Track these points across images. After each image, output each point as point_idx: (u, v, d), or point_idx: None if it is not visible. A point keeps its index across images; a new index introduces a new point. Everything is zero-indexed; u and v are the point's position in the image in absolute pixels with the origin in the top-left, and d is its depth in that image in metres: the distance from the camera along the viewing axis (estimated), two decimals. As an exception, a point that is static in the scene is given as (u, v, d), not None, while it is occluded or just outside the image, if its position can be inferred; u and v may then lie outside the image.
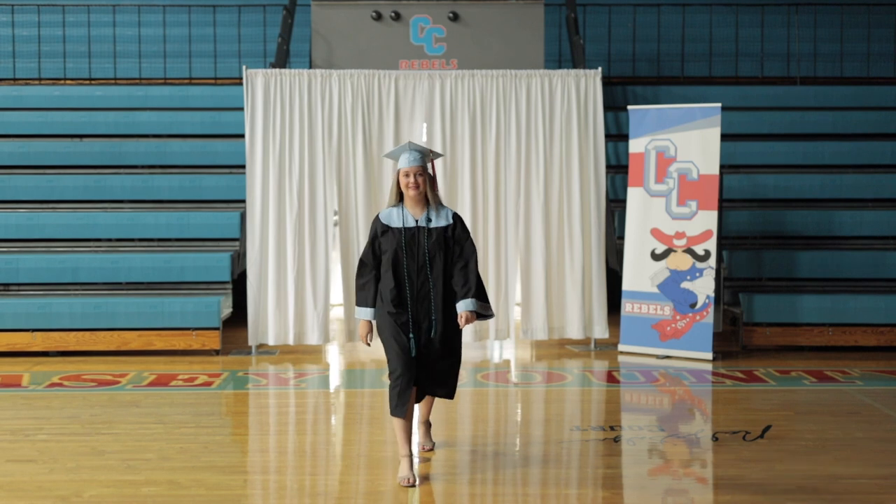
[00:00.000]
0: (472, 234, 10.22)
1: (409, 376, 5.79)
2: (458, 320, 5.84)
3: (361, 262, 5.96)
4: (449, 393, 6.04)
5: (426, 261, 5.82)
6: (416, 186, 5.82)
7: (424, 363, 5.88)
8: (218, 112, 11.83)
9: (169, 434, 6.79)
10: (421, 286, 5.84)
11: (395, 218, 5.87)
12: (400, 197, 5.92)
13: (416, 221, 5.85)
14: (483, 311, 5.98)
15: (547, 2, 11.46)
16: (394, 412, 5.80)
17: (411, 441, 5.93)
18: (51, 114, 11.91)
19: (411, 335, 5.82)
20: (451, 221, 5.89)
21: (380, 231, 5.87)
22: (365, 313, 5.94)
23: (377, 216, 5.93)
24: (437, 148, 9.85)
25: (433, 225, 5.85)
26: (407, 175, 5.83)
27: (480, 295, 5.96)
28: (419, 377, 5.91)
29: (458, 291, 5.85)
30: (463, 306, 5.84)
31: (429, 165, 5.91)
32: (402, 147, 5.90)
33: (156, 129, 11.74)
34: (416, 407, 6.32)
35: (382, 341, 5.92)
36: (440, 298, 5.83)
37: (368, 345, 6.01)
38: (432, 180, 5.91)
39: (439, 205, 5.91)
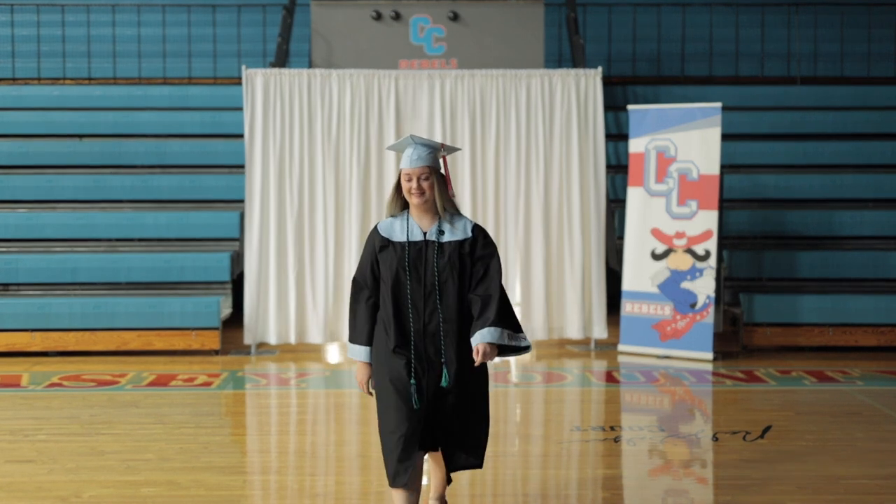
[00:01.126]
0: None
1: (413, 437, 4.58)
2: (474, 355, 4.54)
3: (355, 283, 4.69)
4: (474, 460, 4.72)
5: (435, 285, 4.55)
6: (421, 193, 4.56)
7: (435, 421, 4.66)
8: (217, 112, 11.82)
9: (168, 434, 6.79)
10: (429, 318, 4.57)
11: (398, 230, 4.61)
12: (405, 204, 4.66)
13: (425, 234, 4.60)
14: (508, 342, 4.59)
15: (547, 1, 11.45)
16: (393, 482, 4.62)
17: None
18: (50, 113, 11.89)
19: (412, 381, 4.56)
20: (469, 235, 4.60)
21: (378, 246, 4.62)
22: (360, 353, 4.67)
23: (375, 227, 4.68)
24: (437, 148, 9.79)
25: (446, 239, 4.58)
26: (409, 179, 4.57)
27: (505, 321, 4.60)
28: (426, 439, 4.68)
29: (474, 320, 4.58)
30: (479, 337, 4.52)
31: (441, 162, 4.68)
32: (405, 140, 4.66)
33: (155, 128, 11.73)
34: (424, 477, 5.22)
35: (376, 389, 4.68)
36: (454, 336, 4.57)
37: (370, 394, 4.73)
38: (444, 183, 4.63)
39: (455, 214, 4.65)
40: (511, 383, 8.63)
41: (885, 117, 11.98)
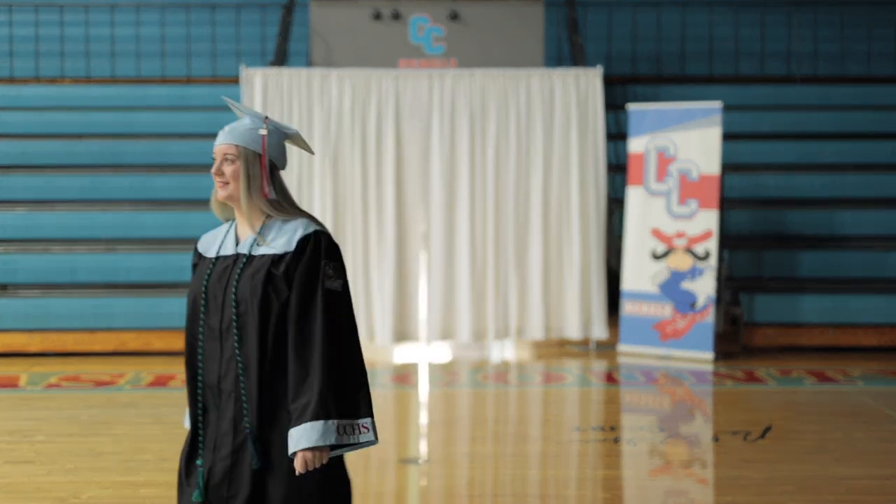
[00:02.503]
0: (466, 237, 10.35)
1: None
2: (295, 463, 3.04)
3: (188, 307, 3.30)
4: None
5: (233, 320, 3.12)
6: (224, 183, 3.19)
7: None
8: (217, 111, 11.79)
9: (167, 435, 6.76)
10: (226, 369, 3.14)
11: (218, 241, 3.29)
12: None
13: (237, 246, 3.22)
14: (340, 440, 3.04)
15: (547, 1, 11.43)
16: None
17: None
18: (49, 113, 11.87)
19: (199, 463, 3.16)
20: (291, 248, 3.12)
21: (192, 264, 3.34)
22: (186, 415, 3.31)
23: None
24: (436, 148, 9.76)
25: (259, 251, 3.16)
26: (216, 161, 3.23)
27: (338, 402, 3.05)
28: None
29: (291, 406, 3.06)
30: (295, 440, 3.02)
31: (262, 144, 3.21)
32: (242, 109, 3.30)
33: (154, 128, 11.70)
34: None
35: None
36: (254, 396, 3.09)
37: None
38: (263, 171, 3.18)
39: (291, 216, 3.20)
40: (510, 384, 8.61)
41: (885, 117, 11.96)
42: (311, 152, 3.42)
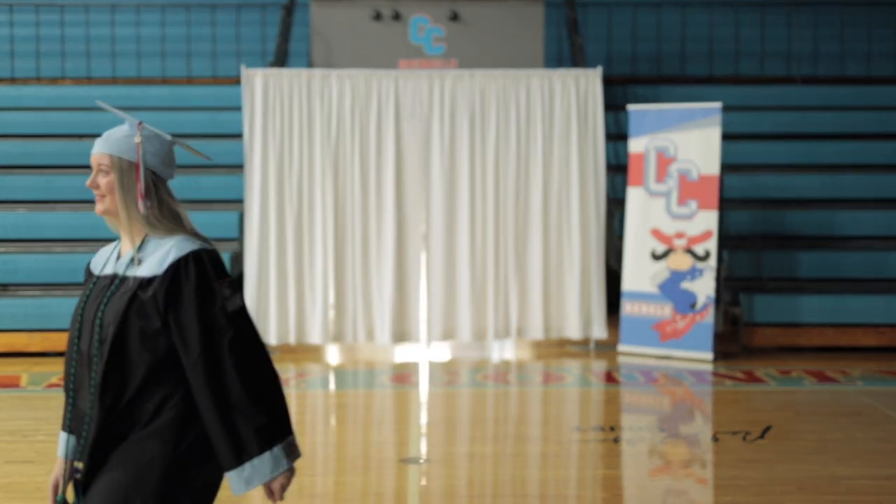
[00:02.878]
0: (466, 237, 10.35)
1: None
2: (267, 496, 2.91)
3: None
4: None
5: (97, 348, 2.92)
6: (101, 196, 2.95)
7: None
8: (217, 112, 11.80)
9: (167, 435, 6.76)
10: (91, 400, 2.91)
11: (105, 257, 3.06)
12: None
13: (116, 264, 2.98)
14: (277, 469, 2.86)
15: (547, 1, 11.44)
16: None
17: None
18: (49, 113, 11.88)
19: (60, 498, 2.97)
20: (160, 271, 2.86)
21: (84, 281, 3.12)
22: (59, 442, 3.07)
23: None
24: (436, 148, 9.77)
25: (132, 272, 2.91)
26: (92, 171, 3.00)
27: (280, 430, 2.89)
28: None
29: (219, 445, 2.84)
30: (238, 480, 2.85)
31: (137, 152, 2.97)
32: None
33: (155, 128, 11.68)
34: None
35: None
36: (93, 432, 2.87)
37: None
38: (138, 183, 2.93)
39: (166, 235, 2.93)
40: (510, 384, 8.62)
41: (885, 117, 11.96)
42: (207, 158, 3.23)
